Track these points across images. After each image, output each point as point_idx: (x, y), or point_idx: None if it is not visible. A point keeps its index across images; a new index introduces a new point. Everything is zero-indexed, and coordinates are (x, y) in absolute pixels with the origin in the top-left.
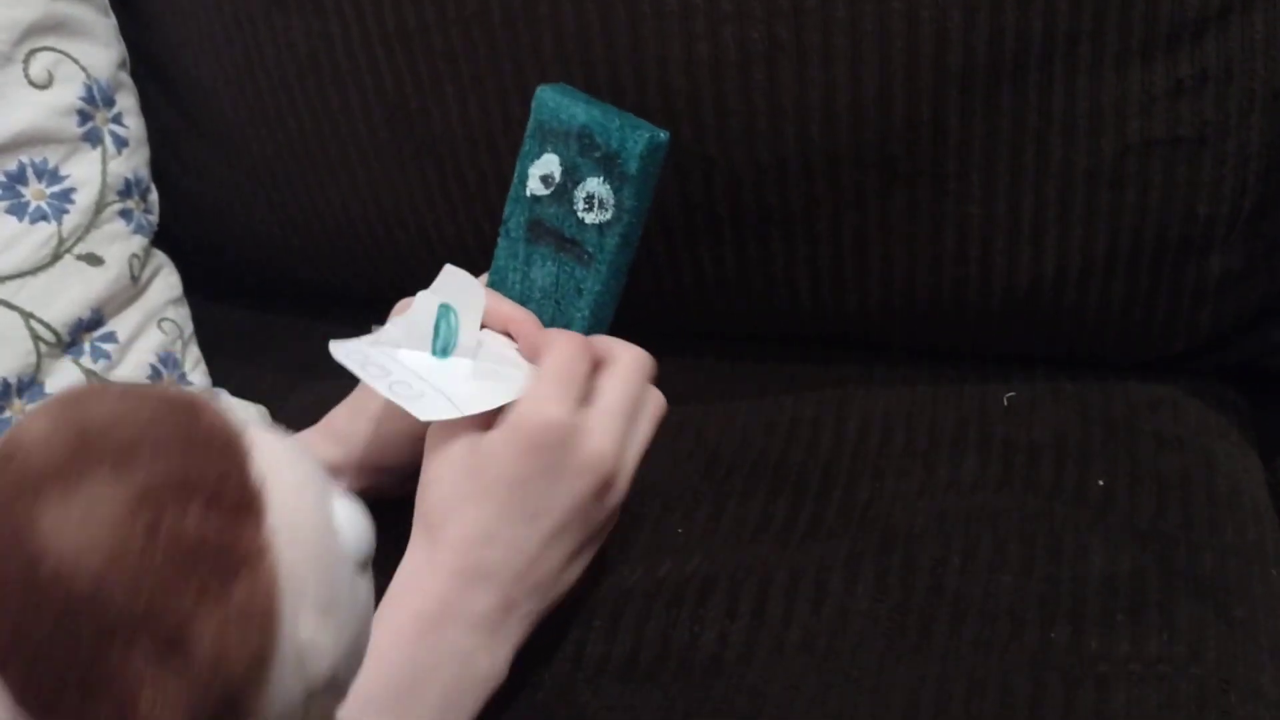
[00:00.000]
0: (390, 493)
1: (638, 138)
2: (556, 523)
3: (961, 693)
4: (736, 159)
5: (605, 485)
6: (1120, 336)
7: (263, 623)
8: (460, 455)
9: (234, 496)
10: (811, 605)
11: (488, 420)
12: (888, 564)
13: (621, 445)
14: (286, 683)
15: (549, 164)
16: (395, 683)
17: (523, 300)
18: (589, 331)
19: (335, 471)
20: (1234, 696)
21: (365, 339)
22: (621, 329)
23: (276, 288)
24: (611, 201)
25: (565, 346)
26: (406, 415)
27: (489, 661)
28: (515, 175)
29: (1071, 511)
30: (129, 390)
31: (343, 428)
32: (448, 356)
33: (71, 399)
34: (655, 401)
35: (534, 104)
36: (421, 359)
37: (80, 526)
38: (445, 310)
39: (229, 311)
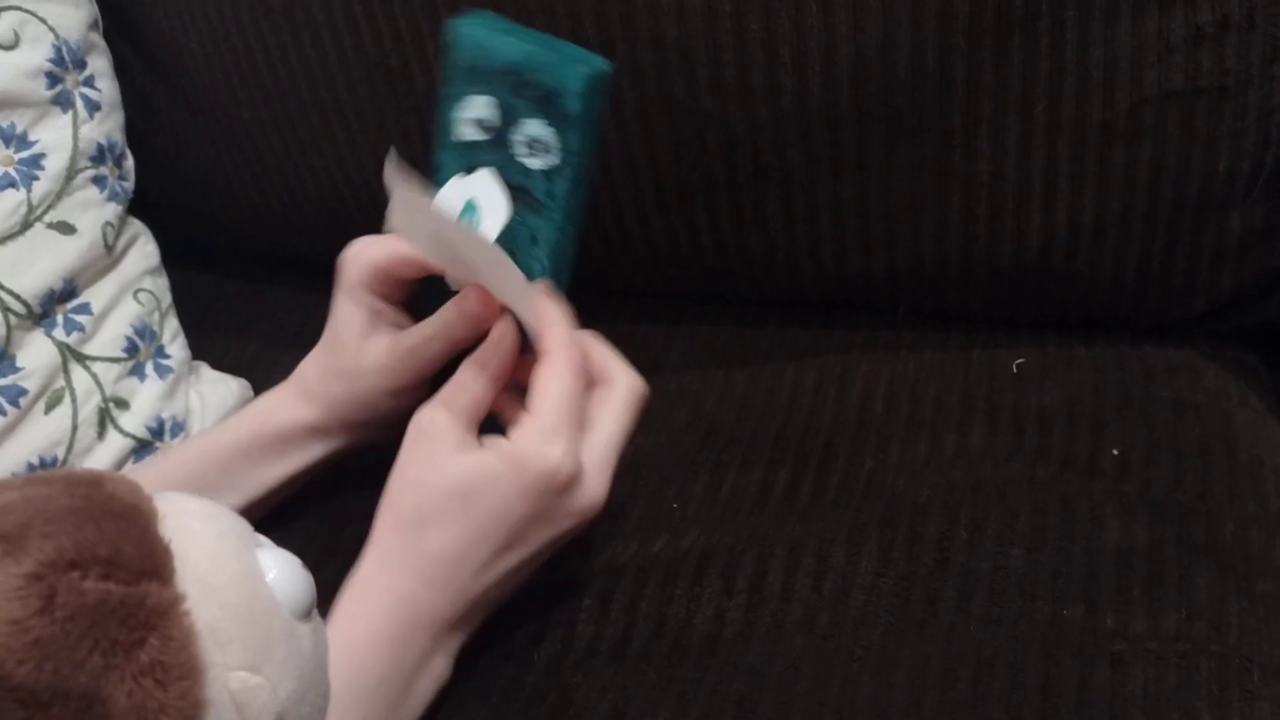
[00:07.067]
0: (377, 441)
1: (577, 74)
2: (533, 552)
3: (969, 672)
4: (731, 114)
5: (588, 521)
6: (1136, 299)
7: (182, 675)
8: (455, 473)
9: (134, 562)
10: (813, 581)
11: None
12: (892, 537)
13: (610, 480)
14: None
15: (481, 106)
16: (368, 681)
17: None
18: (549, 277)
19: (316, 432)
20: (1257, 675)
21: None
22: (613, 294)
23: (258, 256)
24: (557, 144)
25: (565, 370)
26: (379, 374)
27: (445, 663)
28: (438, 122)
29: (1085, 482)
30: (31, 478)
31: (317, 390)
32: None
33: None
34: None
35: (452, 39)
36: None
37: None
38: (470, 207)
39: (209, 281)
